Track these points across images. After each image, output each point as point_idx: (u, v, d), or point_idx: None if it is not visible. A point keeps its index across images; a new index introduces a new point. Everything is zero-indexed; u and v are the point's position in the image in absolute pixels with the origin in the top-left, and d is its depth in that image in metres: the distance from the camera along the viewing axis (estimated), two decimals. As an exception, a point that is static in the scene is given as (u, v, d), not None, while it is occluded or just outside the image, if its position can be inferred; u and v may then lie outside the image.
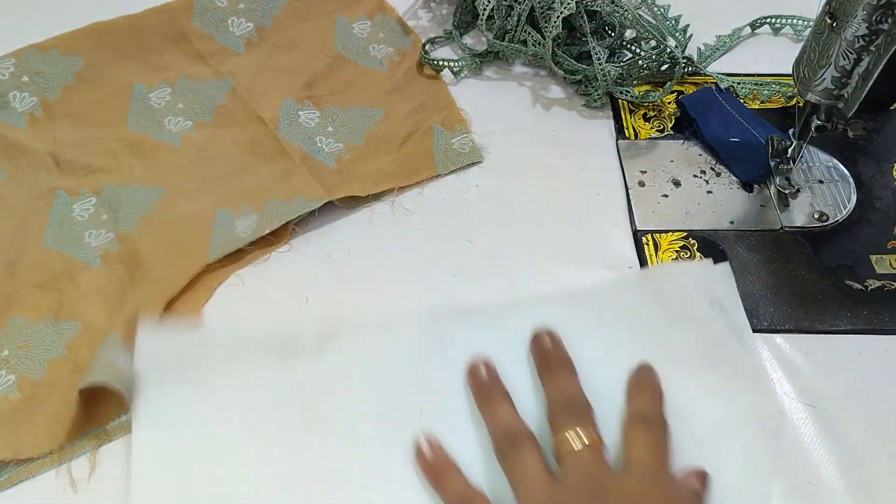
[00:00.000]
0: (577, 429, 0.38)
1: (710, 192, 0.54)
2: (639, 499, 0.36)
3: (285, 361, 0.43)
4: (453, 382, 0.42)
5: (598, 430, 0.39)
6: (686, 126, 0.57)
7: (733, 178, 0.54)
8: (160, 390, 0.42)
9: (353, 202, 0.52)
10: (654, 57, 0.58)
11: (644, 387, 0.42)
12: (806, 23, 0.64)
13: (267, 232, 0.49)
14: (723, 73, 0.60)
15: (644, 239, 0.51)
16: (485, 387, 0.42)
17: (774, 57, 0.62)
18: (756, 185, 0.54)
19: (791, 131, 0.52)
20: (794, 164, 0.53)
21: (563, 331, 0.43)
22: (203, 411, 0.41)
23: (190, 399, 0.42)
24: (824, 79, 0.45)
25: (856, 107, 0.45)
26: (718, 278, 0.47)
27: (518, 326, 0.44)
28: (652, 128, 0.58)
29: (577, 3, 0.56)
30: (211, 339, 0.44)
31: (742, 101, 0.59)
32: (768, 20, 0.65)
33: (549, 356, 0.42)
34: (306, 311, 0.47)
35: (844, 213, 0.53)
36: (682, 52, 0.59)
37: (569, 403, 0.40)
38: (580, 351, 0.42)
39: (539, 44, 0.58)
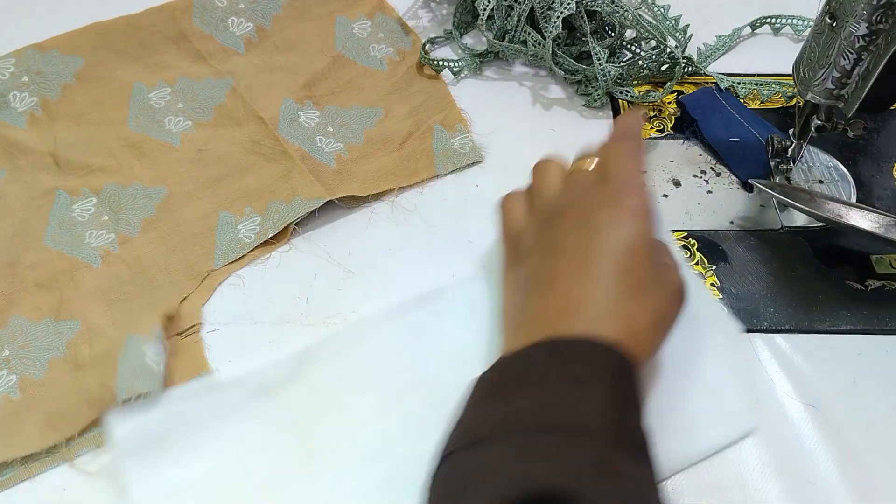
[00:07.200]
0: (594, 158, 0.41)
1: (710, 192, 0.54)
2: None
3: (268, 395, 0.42)
4: (435, 368, 0.43)
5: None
6: (686, 126, 0.57)
7: (733, 178, 0.54)
8: (152, 474, 0.39)
9: (353, 202, 0.52)
10: (654, 57, 0.58)
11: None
12: (806, 23, 0.64)
13: (270, 236, 0.50)
14: (723, 73, 0.60)
15: (644, 239, 0.51)
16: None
17: (774, 57, 0.62)
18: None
19: (791, 131, 0.52)
20: (794, 164, 0.53)
21: None
22: (203, 478, 0.40)
23: (186, 472, 0.40)
24: (824, 79, 0.45)
25: (856, 107, 0.45)
26: None
27: (484, 300, 0.46)
28: (652, 128, 0.58)
29: (577, 3, 0.56)
30: (187, 403, 0.42)
31: (742, 101, 0.59)
32: (768, 20, 0.65)
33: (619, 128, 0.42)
34: (306, 311, 0.47)
35: (844, 213, 0.53)
36: (682, 52, 0.59)
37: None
38: None
39: (539, 44, 0.58)
